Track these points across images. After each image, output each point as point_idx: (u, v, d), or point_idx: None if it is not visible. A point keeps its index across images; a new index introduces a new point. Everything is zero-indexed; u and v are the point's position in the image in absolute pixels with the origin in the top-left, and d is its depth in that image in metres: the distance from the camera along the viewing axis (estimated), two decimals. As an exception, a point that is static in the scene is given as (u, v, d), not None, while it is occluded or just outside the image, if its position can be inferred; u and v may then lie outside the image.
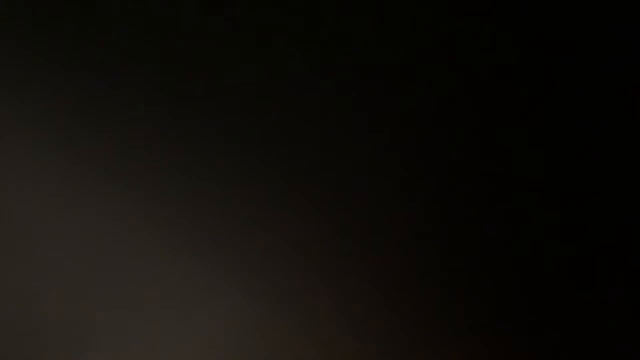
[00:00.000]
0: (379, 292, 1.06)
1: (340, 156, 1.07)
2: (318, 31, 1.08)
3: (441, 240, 1.07)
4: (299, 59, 1.08)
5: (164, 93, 1.07)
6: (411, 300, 1.06)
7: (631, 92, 1.08)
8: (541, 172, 1.08)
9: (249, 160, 1.07)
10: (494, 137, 1.08)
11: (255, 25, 1.08)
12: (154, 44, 1.07)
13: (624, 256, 1.07)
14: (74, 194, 1.05)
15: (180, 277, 1.05)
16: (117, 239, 1.05)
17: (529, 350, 1.06)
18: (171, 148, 1.06)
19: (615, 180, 1.08)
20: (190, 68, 1.07)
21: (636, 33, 1.08)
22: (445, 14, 1.09)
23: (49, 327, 1.04)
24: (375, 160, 1.07)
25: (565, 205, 1.07)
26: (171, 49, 1.07)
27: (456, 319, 1.06)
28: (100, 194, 1.05)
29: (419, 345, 1.06)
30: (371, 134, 1.07)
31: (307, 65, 1.08)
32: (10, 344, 1.03)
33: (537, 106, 1.08)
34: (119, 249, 1.05)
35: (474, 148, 1.08)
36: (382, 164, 1.07)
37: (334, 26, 1.08)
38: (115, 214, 1.05)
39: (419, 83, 1.08)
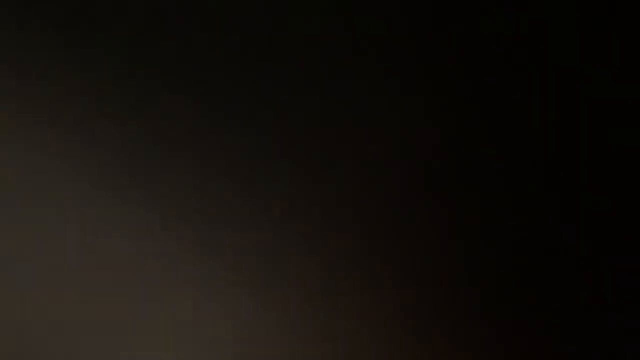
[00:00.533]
0: (381, 292, 1.06)
1: (342, 156, 1.07)
2: (318, 32, 1.08)
3: (446, 240, 1.07)
4: (299, 58, 1.08)
5: (164, 93, 1.07)
6: (416, 300, 1.06)
7: (631, 92, 1.09)
8: (554, 174, 1.08)
9: (249, 160, 1.07)
10: (500, 138, 1.08)
11: (256, 27, 1.08)
12: (153, 43, 1.07)
13: (628, 256, 1.07)
14: (75, 195, 1.05)
15: (180, 278, 1.05)
16: (117, 239, 1.05)
17: (532, 352, 1.06)
18: (170, 148, 1.06)
19: (618, 180, 1.08)
20: (191, 68, 1.07)
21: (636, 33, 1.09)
22: (445, 14, 1.09)
23: (48, 328, 1.04)
24: (376, 160, 1.07)
25: (579, 207, 1.08)
26: (171, 48, 1.07)
27: (460, 320, 1.06)
28: (100, 195, 1.05)
29: (422, 345, 1.06)
30: (372, 135, 1.07)
31: (307, 66, 1.08)
32: (9, 344, 1.03)
33: (548, 107, 1.08)
34: (118, 249, 1.05)
35: (477, 149, 1.08)
36: (383, 164, 1.07)
37: (335, 27, 1.08)
38: (114, 215, 1.05)
39: (423, 83, 1.08)
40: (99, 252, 1.05)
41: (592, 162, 1.08)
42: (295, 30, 1.08)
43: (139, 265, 1.05)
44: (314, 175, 1.07)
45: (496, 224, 1.07)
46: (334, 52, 1.08)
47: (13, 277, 1.04)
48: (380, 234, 1.07)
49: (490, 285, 1.07)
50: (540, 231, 1.07)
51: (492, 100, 1.08)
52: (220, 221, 1.06)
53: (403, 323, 1.06)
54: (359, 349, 1.06)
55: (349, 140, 1.07)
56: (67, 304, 1.04)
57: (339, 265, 1.06)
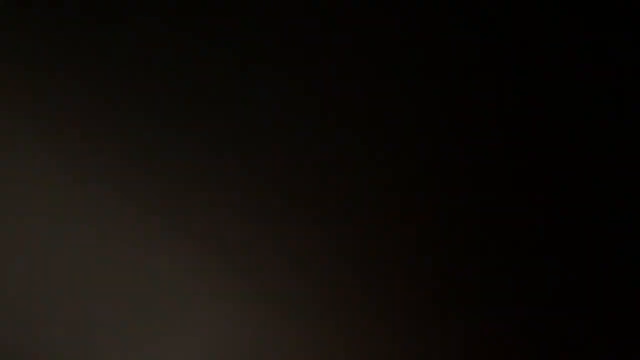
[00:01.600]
0: (379, 297, 1.06)
1: (342, 159, 1.07)
2: (318, 33, 1.08)
3: (441, 248, 1.07)
4: (299, 60, 1.08)
5: (164, 96, 1.07)
6: (412, 305, 1.06)
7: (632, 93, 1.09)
8: (554, 183, 1.08)
9: (250, 163, 1.07)
10: (498, 143, 1.08)
11: (257, 32, 1.08)
12: (154, 48, 1.07)
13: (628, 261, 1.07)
14: (75, 195, 1.05)
15: (180, 279, 1.05)
16: (117, 240, 1.05)
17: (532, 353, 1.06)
18: (171, 150, 1.06)
19: (620, 183, 1.08)
20: (192, 72, 1.07)
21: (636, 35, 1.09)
22: (446, 19, 1.09)
23: (48, 328, 1.04)
24: (375, 164, 1.07)
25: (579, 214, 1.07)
26: (171, 53, 1.07)
27: (457, 325, 1.06)
28: (101, 195, 1.06)
29: (419, 351, 1.06)
30: (373, 138, 1.07)
31: (307, 67, 1.08)
32: (9, 344, 1.03)
33: (542, 111, 1.08)
34: (118, 250, 1.05)
35: (477, 153, 1.08)
36: (383, 169, 1.07)
37: (336, 30, 1.08)
38: (115, 215, 1.05)
39: (423, 87, 1.08)
40: (99, 252, 1.05)
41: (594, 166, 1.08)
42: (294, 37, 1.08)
43: (139, 265, 1.05)
44: (314, 176, 1.07)
45: (495, 225, 1.07)
46: (333, 55, 1.08)
47: (13, 277, 1.04)
48: (380, 241, 1.07)
49: (489, 285, 1.07)
50: (539, 232, 1.07)
51: (489, 101, 1.09)
52: (222, 222, 1.06)
53: (406, 329, 1.06)
54: (358, 351, 1.06)
55: (349, 147, 1.07)
56: (67, 304, 1.04)
57: (340, 266, 1.06)
